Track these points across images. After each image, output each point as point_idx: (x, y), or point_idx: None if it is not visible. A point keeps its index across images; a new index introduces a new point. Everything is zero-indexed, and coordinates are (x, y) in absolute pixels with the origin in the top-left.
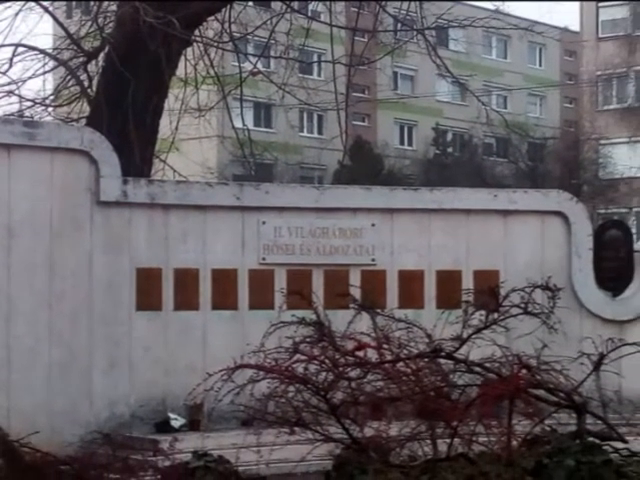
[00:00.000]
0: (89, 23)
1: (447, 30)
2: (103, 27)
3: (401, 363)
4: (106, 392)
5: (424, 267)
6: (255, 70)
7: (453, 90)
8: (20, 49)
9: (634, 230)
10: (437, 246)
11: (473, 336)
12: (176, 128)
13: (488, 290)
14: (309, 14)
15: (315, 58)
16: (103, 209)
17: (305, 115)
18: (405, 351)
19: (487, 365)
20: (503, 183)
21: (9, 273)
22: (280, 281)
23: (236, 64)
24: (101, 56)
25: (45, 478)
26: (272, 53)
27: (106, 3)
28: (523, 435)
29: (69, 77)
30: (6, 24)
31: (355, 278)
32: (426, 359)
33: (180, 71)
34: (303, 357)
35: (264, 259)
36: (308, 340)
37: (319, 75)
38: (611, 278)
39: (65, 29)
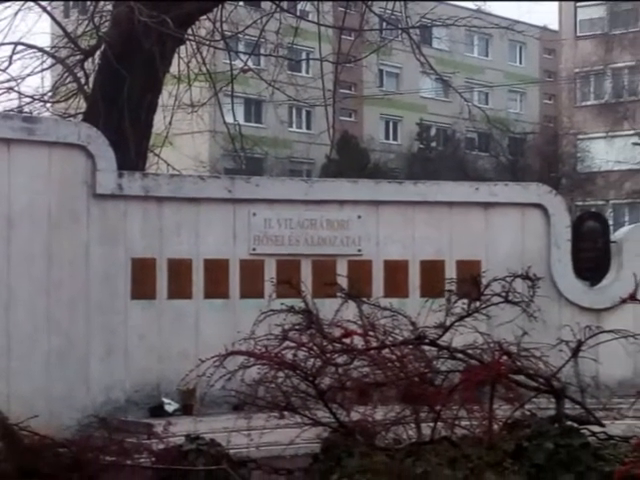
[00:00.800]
0: (86, 22)
1: (431, 29)
2: (99, 26)
3: (386, 350)
4: (102, 378)
5: (408, 257)
6: (246, 67)
7: (437, 87)
8: (19, 47)
9: (611, 222)
10: (421, 237)
11: (456, 324)
12: (170, 123)
13: (470, 279)
14: (298, 13)
15: (304, 56)
16: (99, 201)
17: (294, 111)
18: (390, 338)
19: (469, 352)
20: (485, 176)
21: (9, 263)
22: (270, 271)
23: (227, 62)
24: (97, 54)
25: (43, 460)
26: (262, 51)
27: (102, 3)
28: (504, 419)
29: (67, 74)
30: (6, 23)
31: (342, 268)
32: (410, 346)
33: (174, 68)
34: (292, 344)
35: (254, 249)
36: (297, 328)
37: (307, 72)
38: (589, 268)
39: (63, 28)
